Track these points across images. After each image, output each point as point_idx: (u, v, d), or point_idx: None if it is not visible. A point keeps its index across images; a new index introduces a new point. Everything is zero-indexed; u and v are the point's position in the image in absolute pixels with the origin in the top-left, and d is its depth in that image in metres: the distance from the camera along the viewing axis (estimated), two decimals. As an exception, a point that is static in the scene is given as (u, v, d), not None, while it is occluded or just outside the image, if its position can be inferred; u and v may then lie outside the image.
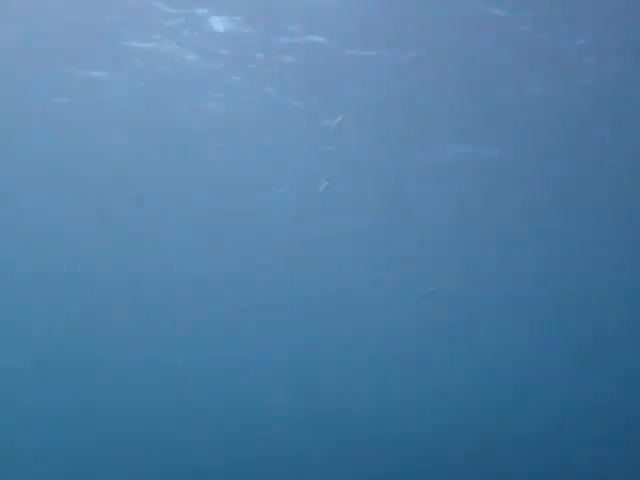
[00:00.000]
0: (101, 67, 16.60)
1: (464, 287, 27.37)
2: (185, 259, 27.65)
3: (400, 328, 31.32)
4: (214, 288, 29.50)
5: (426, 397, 34.04)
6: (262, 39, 14.87)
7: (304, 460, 30.05)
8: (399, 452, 31.20)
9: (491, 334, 31.32)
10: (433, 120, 17.82)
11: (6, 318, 31.05)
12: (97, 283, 28.81)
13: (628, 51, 14.16)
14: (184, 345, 32.95)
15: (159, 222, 25.23)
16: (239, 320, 31.61)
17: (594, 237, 23.31)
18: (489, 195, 21.65)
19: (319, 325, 31.82)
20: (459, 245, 24.83)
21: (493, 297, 28.30)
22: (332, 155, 20.25)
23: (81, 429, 31.65)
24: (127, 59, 16.08)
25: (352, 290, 28.99)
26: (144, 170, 21.90)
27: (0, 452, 27.99)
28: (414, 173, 20.86)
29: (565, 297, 27.65)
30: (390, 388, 34.15)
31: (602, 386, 32.86)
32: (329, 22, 14.00)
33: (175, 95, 17.65)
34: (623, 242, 23.35)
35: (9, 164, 21.72)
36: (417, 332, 31.59)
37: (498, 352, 32.44)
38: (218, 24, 14.55)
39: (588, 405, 33.12)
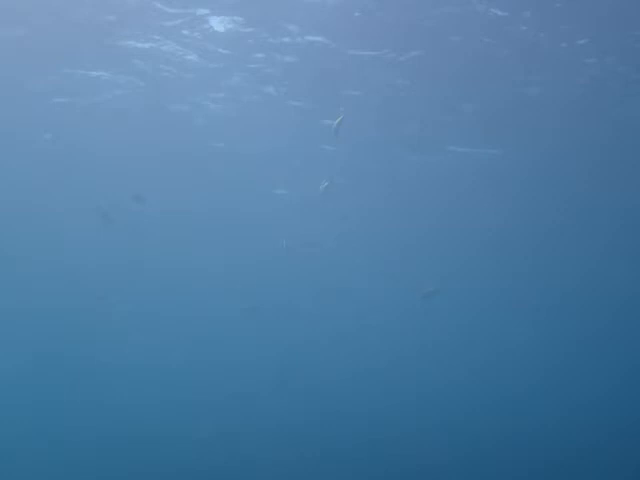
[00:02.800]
0: (101, 67, 16.59)
1: (464, 287, 27.37)
2: (185, 259, 27.65)
3: (400, 328, 31.32)
4: (214, 288, 29.49)
5: (426, 397, 34.02)
6: (262, 39, 14.85)
7: (304, 460, 30.02)
8: (399, 452, 31.16)
9: (491, 334, 31.32)
10: (433, 120, 17.81)
11: (6, 318, 31.05)
12: (97, 283, 28.81)
13: (628, 51, 14.15)
14: (184, 345, 32.93)
15: (159, 222, 25.22)
16: (239, 320, 31.60)
17: (594, 237, 23.32)
18: (489, 195, 21.65)
19: (319, 325, 31.81)
20: (459, 245, 24.83)
21: (493, 297, 28.30)
22: (332, 155, 20.24)
23: (81, 429, 31.62)
24: (127, 59, 16.06)
25: (352, 290, 28.98)
26: (144, 170, 21.89)
27: (0, 452, 27.97)
28: (414, 173, 20.87)
29: (565, 297, 27.66)
30: (389, 389, 34.12)
31: (602, 386, 32.85)
32: (329, 22, 13.98)
33: (175, 95, 17.63)
34: (623, 242, 23.36)
35: (9, 164, 21.72)
36: (417, 332, 31.58)
37: (498, 352, 32.43)
38: (218, 24, 14.52)
39: (588, 405, 33.10)
